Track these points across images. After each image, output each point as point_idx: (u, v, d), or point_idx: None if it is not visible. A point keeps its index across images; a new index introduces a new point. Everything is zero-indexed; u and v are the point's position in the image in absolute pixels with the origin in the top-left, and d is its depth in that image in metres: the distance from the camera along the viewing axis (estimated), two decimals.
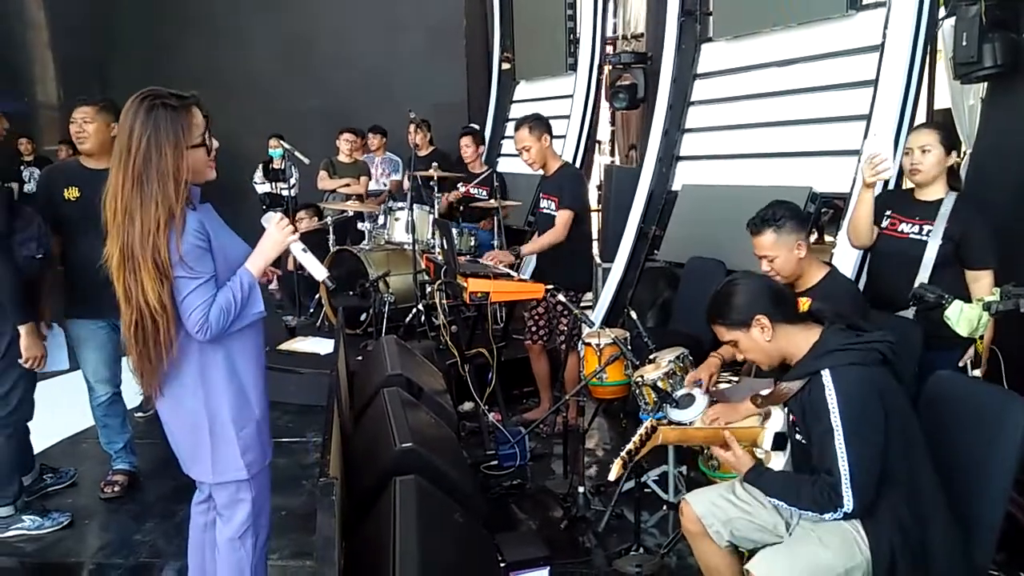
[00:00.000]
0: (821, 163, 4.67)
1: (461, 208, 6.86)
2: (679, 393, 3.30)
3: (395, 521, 2.33)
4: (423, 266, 5.40)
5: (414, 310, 5.48)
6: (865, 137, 4.24)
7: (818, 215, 4.90)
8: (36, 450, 4.40)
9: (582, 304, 4.63)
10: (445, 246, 4.47)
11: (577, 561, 3.27)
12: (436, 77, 9.52)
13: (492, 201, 5.60)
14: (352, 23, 9.84)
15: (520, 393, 5.24)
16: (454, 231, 5.51)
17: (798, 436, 2.30)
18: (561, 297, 4.04)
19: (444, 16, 9.71)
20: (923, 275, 3.03)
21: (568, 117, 7.58)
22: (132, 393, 4.88)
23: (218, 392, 2.23)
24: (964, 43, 3.75)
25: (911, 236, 3.10)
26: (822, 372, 2.14)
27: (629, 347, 3.69)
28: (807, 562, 2.15)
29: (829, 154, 4.63)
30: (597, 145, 9.52)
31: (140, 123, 2.05)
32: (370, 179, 7.52)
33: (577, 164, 7.36)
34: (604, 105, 7.99)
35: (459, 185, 6.77)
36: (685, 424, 3.21)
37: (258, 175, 7.81)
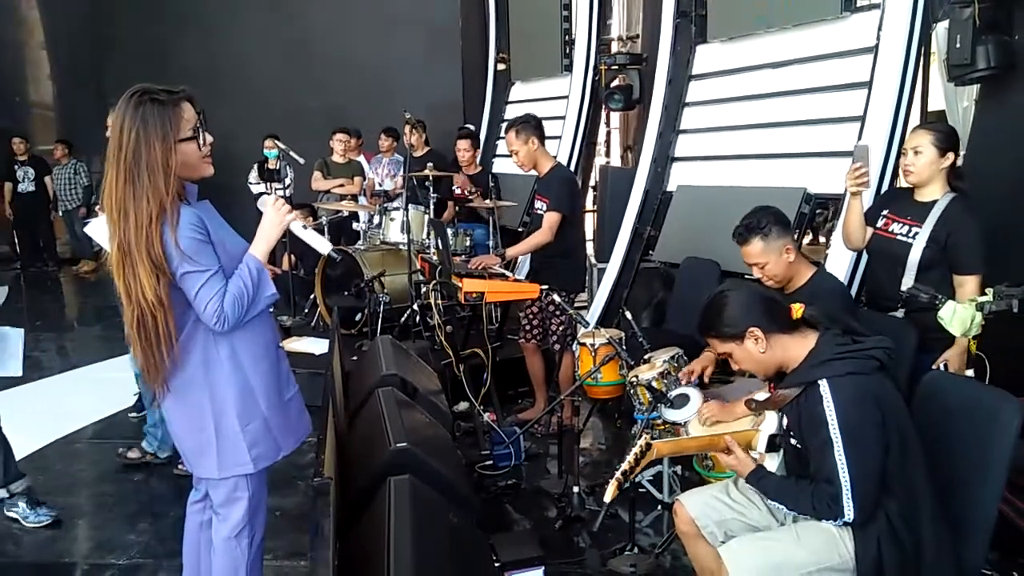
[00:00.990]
0: (815, 164, 4.68)
1: (458, 208, 6.86)
2: (674, 393, 3.32)
3: (389, 521, 2.33)
4: (418, 266, 5.40)
5: (409, 310, 5.48)
6: (859, 139, 4.26)
7: (812, 216, 4.91)
8: (30, 450, 4.41)
9: (577, 304, 4.64)
10: (440, 246, 4.47)
11: (572, 561, 3.27)
12: (432, 77, 9.53)
13: (488, 201, 5.61)
14: (348, 24, 9.85)
15: (515, 393, 5.24)
16: (449, 231, 5.51)
17: (792, 440, 2.30)
18: (556, 298, 4.05)
19: (440, 17, 9.72)
20: (908, 277, 3.03)
21: (563, 118, 7.60)
22: (129, 393, 4.94)
23: (222, 387, 2.23)
24: (958, 45, 3.77)
25: (899, 237, 3.11)
26: (820, 382, 2.12)
27: (624, 347, 3.70)
28: (777, 554, 2.17)
29: (823, 155, 4.65)
30: (592, 146, 9.53)
31: (129, 119, 2.06)
32: (364, 179, 7.52)
33: (572, 165, 7.38)
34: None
35: (454, 188, 6.77)
36: (680, 423, 3.23)
37: (253, 175, 7.81)
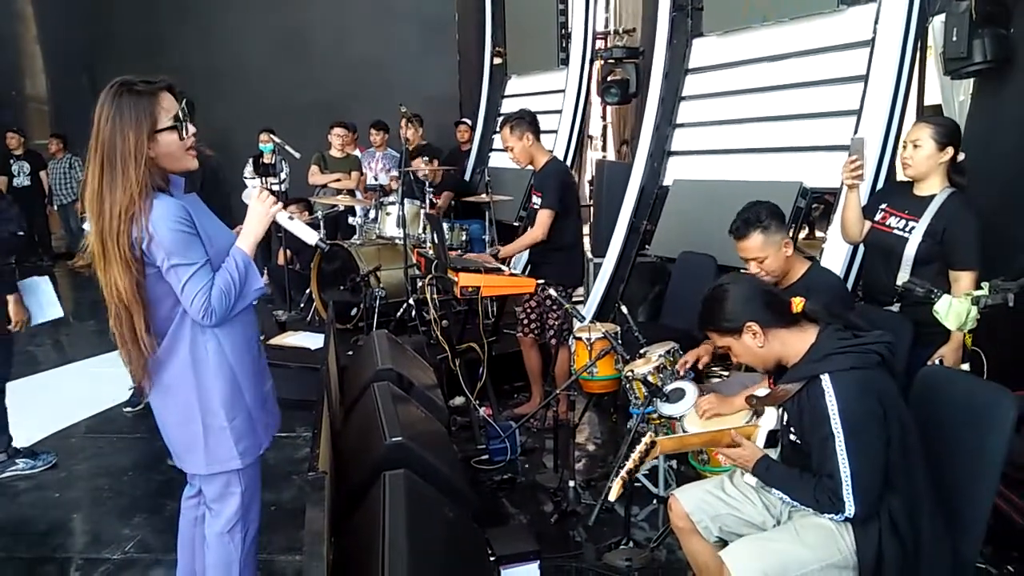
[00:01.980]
0: (812, 158, 4.68)
1: (453, 203, 6.86)
2: (669, 387, 3.31)
3: (384, 515, 2.33)
4: (414, 261, 5.40)
5: (405, 305, 5.48)
6: (855, 133, 4.26)
7: (808, 210, 4.91)
8: (26, 444, 4.40)
9: (574, 299, 4.63)
10: (436, 241, 4.46)
11: (567, 555, 3.27)
12: (428, 71, 9.52)
13: (484, 196, 5.60)
14: (345, 17, 9.83)
15: (511, 388, 5.24)
16: (445, 226, 5.50)
17: (792, 436, 2.29)
18: (552, 292, 4.04)
19: (436, 10, 9.71)
20: (904, 271, 3.03)
21: (560, 112, 7.58)
22: (124, 387, 4.93)
23: (208, 382, 2.22)
24: (954, 39, 3.76)
25: (896, 231, 3.10)
26: (821, 376, 2.11)
27: (620, 341, 3.70)
28: (779, 555, 2.16)
29: (820, 149, 4.64)
30: (589, 140, 9.53)
31: (106, 109, 2.05)
32: (362, 174, 7.50)
33: (569, 159, 7.37)
34: (596, 100, 7.99)
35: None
36: (675, 418, 3.23)
37: (248, 170, 7.79)
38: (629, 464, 2.23)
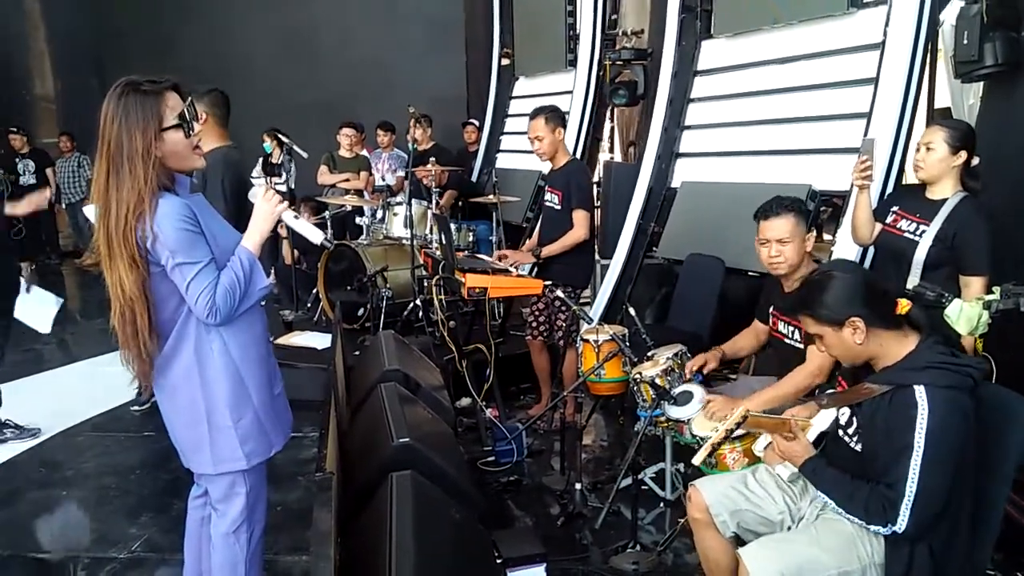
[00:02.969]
0: (821, 161, 4.66)
1: (460, 203, 6.85)
2: (677, 390, 3.30)
3: (391, 516, 2.32)
4: (421, 261, 5.39)
5: (412, 305, 5.47)
6: (865, 136, 4.24)
7: (817, 213, 4.89)
8: (33, 443, 4.42)
9: (581, 300, 4.63)
10: (443, 241, 4.46)
11: (574, 558, 3.26)
12: (435, 71, 9.52)
13: (491, 197, 5.60)
14: (352, 17, 9.84)
15: (517, 389, 5.23)
16: (452, 226, 5.50)
17: (847, 439, 2.23)
18: (559, 293, 4.04)
19: (444, 10, 9.71)
20: (914, 275, 3.02)
21: (568, 113, 7.56)
22: (131, 387, 4.94)
23: (214, 381, 2.22)
24: (965, 41, 3.74)
25: (906, 235, 3.09)
26: (915, 387, 2.03)
27: (627, 344, 3.69)
28: (797, 557, 2.14)
29: (829, 152, 4.62)
30: (596, 142, 9.51)
31: (112, 109, 2.06)
32: (371, 174, 7.50)
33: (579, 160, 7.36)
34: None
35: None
36: (683, 420, 3.22)
37: (256, 170, 7.78)
38: (721, 432, 2.18)
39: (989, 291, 2.69)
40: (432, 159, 6.04)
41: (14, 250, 4.32)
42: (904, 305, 2.19)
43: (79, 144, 10.39)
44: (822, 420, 2.32)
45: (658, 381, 3.33)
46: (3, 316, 4.29)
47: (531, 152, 4.58)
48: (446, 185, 7.38)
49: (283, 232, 6.25)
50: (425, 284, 5.13)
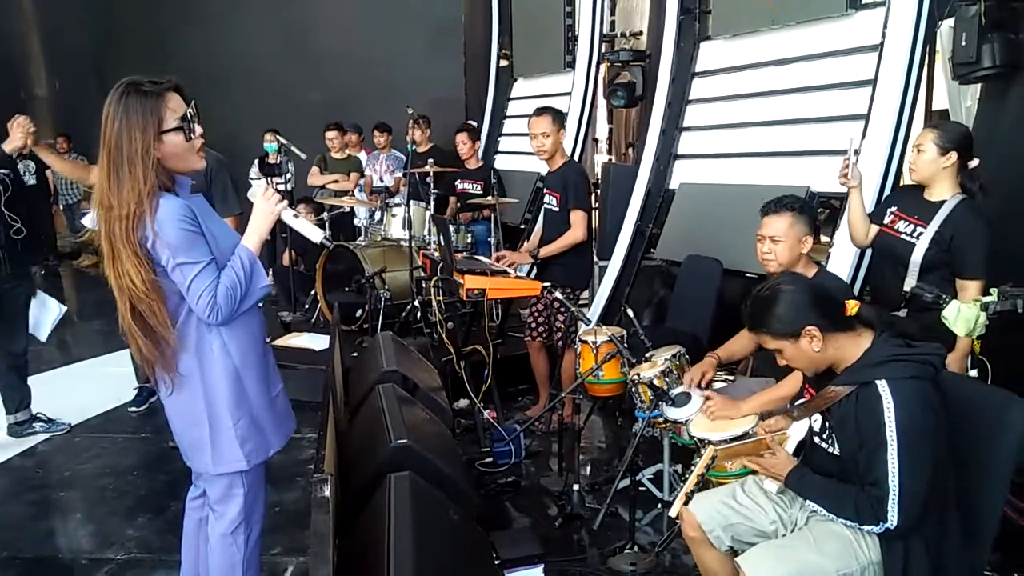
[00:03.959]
0: (819, 162, 4.66)
1: (459, 205, 6.85)
2: (675, 391, 3.30)
3: (389, 518, 2.32)
4: (419, 262, 5.39)
5: (410, 306, 5.47)
6: (863, 137, 4.25)
7: (815, 215, 4.89)
8: (30, 443, 4.41)
9: (580, 302, 4.63)
10: (442, 243, 4.46)
11: (572, 559, 3.26)
12: (434, 73, 9.51)
13: (489, 198, 5.60)
14: (351, 18, 9.84)
15: (516, 390, 5.23)
16: (451, 228, 5.50)
17: (824, 444, 2.25)
18: (558, 294, 4.04)
19: (443, 12, 9.71)
20: (911, 277, 3.02)
21: (566, 115, 7.56)
22: (129, 387, 4.94)
23: (214, 382, 2.22)
24: (963, 43, 3.75)
25: (903, 236, 3.09)
26: (877, 383, 2.05)
27: (625, 345, 3.69)
28: (797, 562, 2.14)
29: (827, 153, 4.62)
30: (594, 143, 9.51)
31: (113, 109, 2.06)
32: (362, 175, 7.50)
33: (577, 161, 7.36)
34: (601, 103, 7.97)
35: (456, 182, 6.76)
36: (681, 422, 3.22)
37: (254, 171, 7.80)
38: (693, 479, 2.19)
39: (986, 292, 2.70)
40: (431, 160, 6.04)
41: (25, 254, 4.50)
42: (852, 306, 2.22)
43: (76, 145, 10.38)
44: (798, 430, 2.33)
45: (656, 382, 3.33)
46: (23, 317, 4.41)
47: (529, 153, 4.58)
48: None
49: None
50: (423, 285, 5.13)
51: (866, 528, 2.09)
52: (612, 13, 7.79)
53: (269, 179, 7.02)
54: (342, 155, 7.40)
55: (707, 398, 3.11)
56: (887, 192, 4.10)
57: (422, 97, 8.06)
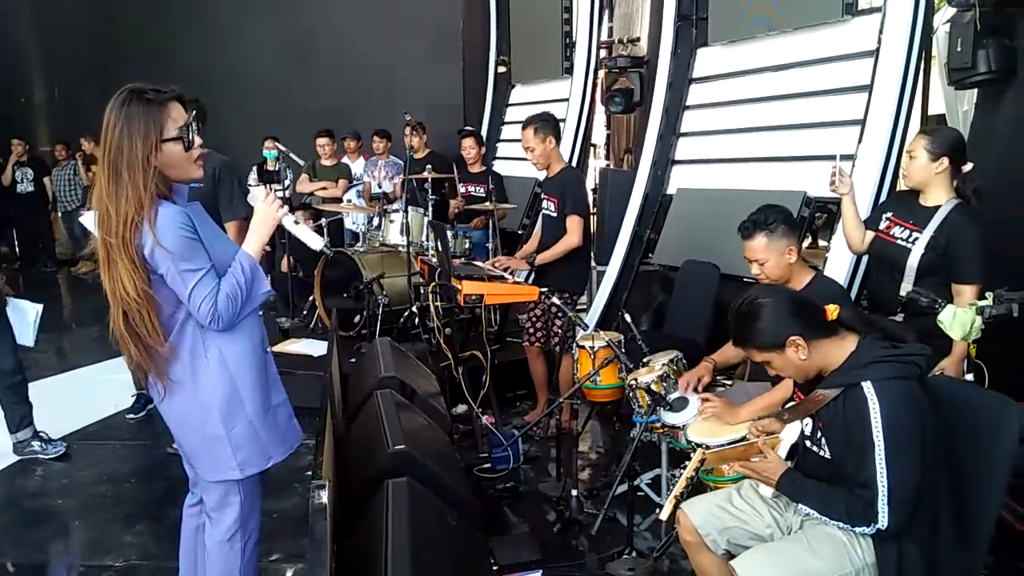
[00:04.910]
0: (815, 168, 4.67)
1: (459, 210, 6.85)
2: (672, 396, 3.31)
3: (387, 524, 2.33)
4: (417, 268, 5.40)
5: (408, 312, 5.48)
6: (859, 142, 4.26)
7: (812, 219, 4.91)
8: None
9: (578, 307, 4.63)
10: (439, 248, 4.47)
11: (570, 564, 3.26)
12: (433, 79, 9.54)
13: (488, 204, 5.61)
14: (350, 25, 9.86)
15: (513, 396, 5.23)
16: (449, 233, 5.51)
17: (814, 448, 2.26)
18: (555, 300, 4.04)
19: (441, 19, 9.73)
20: (907, 282, 3.02)
21: (564, 121, 7.59)
22: (127, 394, 4.94)
23: (209, 389, 2.22)
24: (959, 49, 3.77)
25: (899, 241, 3.10)
26: (863, 384, 2.06)
27: (623, 350, 3.69)
28: (791, 565, 2.14)
29: (823, 159, 4.63)
30: (592, 149, 9.53)
31: (115, 116, 2.07)
32: (350, 182, 7.52)
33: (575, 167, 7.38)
34: (599, 108, 7.99)
35: (459, 187, 6.76)
36: (678, 427, 3.23)
37: (252, 177, 7.79)
38: (682, 483, 2.20)
39: (982, 297, 2.70)
40: (429, 166, 6.05)
41: None
42: (833, 311, 2.23)
43: (75, 152, 10.40)
44: (789, 434, 2.34)
45: (654, 387, 3.33)
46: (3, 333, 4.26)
47: (528, 159, 4.58)
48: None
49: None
50: (421, 291, 5.14)
51: (858, 530, 2.09)
52: (610, 19, 7.81)
53: (268, 186, 7.03)
54: (331, 162, 7.43)
55: (705, 399, 3.11)
56: (883, 197, 4.11)
57: (421, 104, 8.08)
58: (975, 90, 4.22)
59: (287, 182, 7.21)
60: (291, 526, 3.56)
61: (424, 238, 5.80)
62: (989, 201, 3.09)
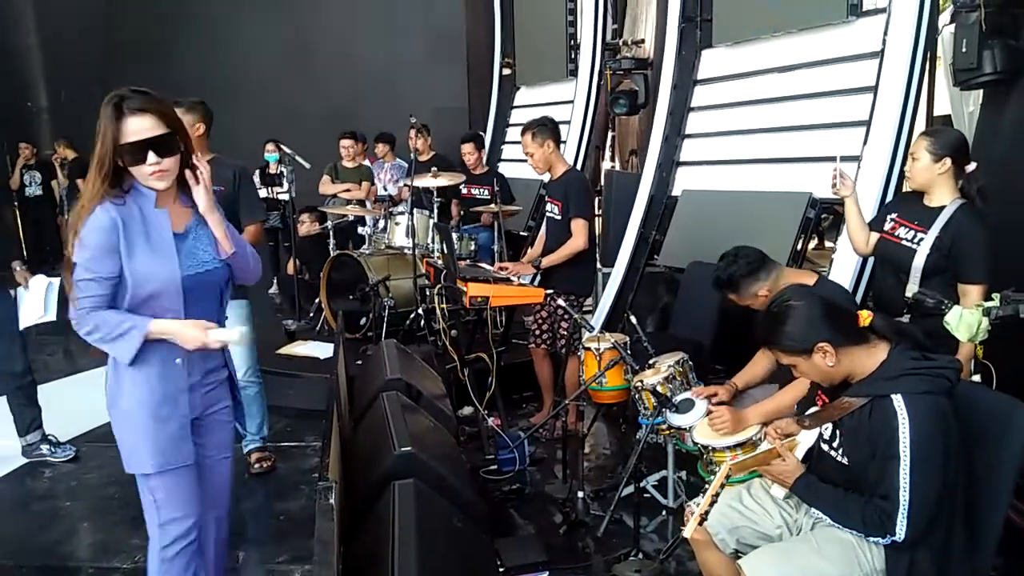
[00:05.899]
0: (821, 169, 4.66)
1: (463, 213, 6.86)
2: (679, 398, 3.30)
3: (394, 525, 2.33)
4: (423, 270, 5.41)
5: (414, 314, 5.49)
6: (864, 144, 4.26)
7: (818, 221, 4.90)
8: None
9: (584, 309, 4.63)
10: (445, 250, 4.47)
11: (576, 566, 3.26)
12: (437, 82, 9.54)
13: (493, 206, 5.61)
14: (353, 27, 9.87)
15: (520, 398, 5.24)
16: (454, 235, 5.51)
17: (833, 453, 2.24)
18: (561, 302, 4.05)
19: (445, 21, 9.74)
20: (912, 283, 3.02)
21: (569, 123, 7.59)
22: None
23: (121, 376, 2.26)
24: (964, 49, 3.76)
25: (904, 242, 3.09)
26: (893, 397, 2.04)
27: (629, 352, 3.69)
28: (798, 566, 2.14)
29: (829, 160, 4.61)
30: (598, 150, 9.53)
31: (101, 113, 2.16)
32: (372, 184, 7.51)
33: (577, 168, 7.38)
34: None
35: (460, 187, 6.77)
36: (684, 428, 3.23)
37: (256, 181, 7.81)
38: (709, 496, 2.18)
39: (988, 298, 2.70)
40: (433, 168, 6.06)
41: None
42: (866, 317, 2.20)
43: (82, 156, 10.42)
44: (808, 437, 2.33)
45: (660, 389, 3.33)
46: (10, 335, 4.29)
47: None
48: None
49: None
50: (427, 293, 5.14)
51: (872, 539, 2.08)
52: (615, 21, 7.81)
53: (271, 188, 7.04)
54: (353, 164, 7.40)
55: (709, 412, 3.11)
56: (889, 198, 4.10)
57: (425, 106, 8.08)
58: (980, 91, 4.21)
59: (289, 185, 7.20)
60: (298, 528, 3.56)
61: (429, 240, 5.81)
62: (995, 201, 3.09)
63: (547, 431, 4.53)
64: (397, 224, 6.03)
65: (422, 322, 5.36)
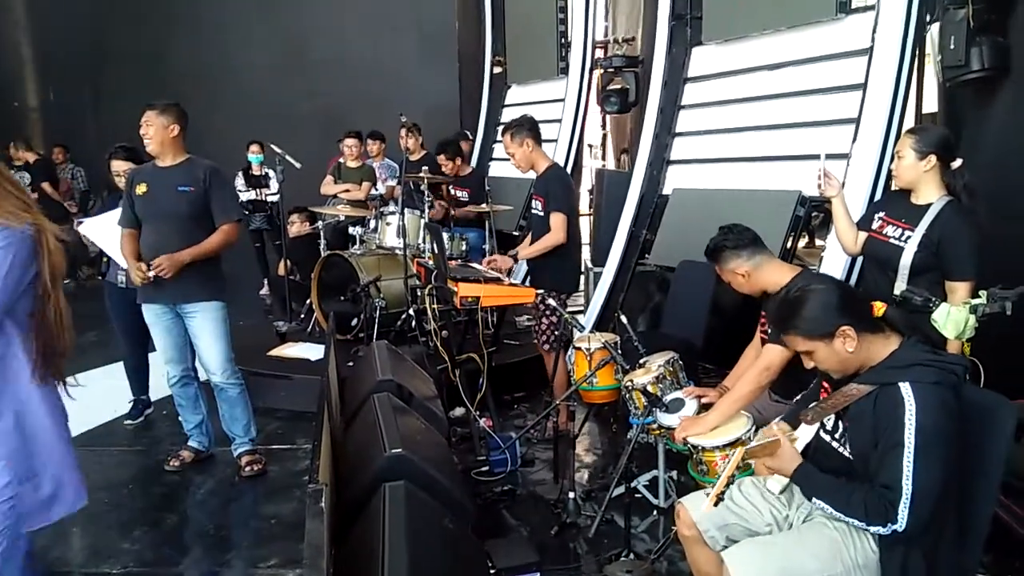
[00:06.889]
0: (810, 167, 4.67)
1: (452, 213, 6.85)
2: (669, 397, 3.31)
3: (384, 527, 2.32)
4: (414, 271, 5.40)
5: (405, 315, 5.48)
6: (854, 141, 4.27)
7: (808, 218, 4.91)
8: None
9: (572, 308, 4.63)
10: (436, 251, 4.46)
11: (567, 567, 3.26)
12: (428, 81, 9.54)
13: (483, 205, 5.61)
14: (344, 27, 9.86)
15: (511, 398, 5.23)
16: (445, 236, 5.50)
17: (834, 443, 2.24)
18: (551, 302, 4.04)
19: (436, 20, 9.74)
20: (900, 280, 3.02)
21: (560, 121, 7.60)
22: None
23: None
24: (952, 47, 3.77)
25: (892, 240, 3.10)
26: (901, 385, 2.04)
27: (619, 351, 3.69)
28: (780, 558, 2.14)
29: (818, 157, 4.64)
30: (589, 149, 9.55)
31: None
32: (374, 184, 7.48)
33: (569, 168, 7.37)
34: (595, 108, 8.01)
35: (449, 188, 6.76)
36: (674, 428, 3.23)
37: (239, 183, 7.73)
38: (725, 477, 2.17)
39: (976, 295, 2.71)
40: (424, 168, 6.04)
41: None
42: (880, 308, 2.21)
43: (73, 155, 10.38)
44: (806, 432, 2.33)
45: (650, 388, 3.33)
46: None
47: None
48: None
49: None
50: (418, 294, 5.13)
51: (872, 529, 2.07)
52: (605, 19, 7.82)
53: (258, 190, 7.00)
54: (357, 164, 7.35)
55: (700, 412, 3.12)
56: (879, 196, 4.11)
57: (416, 105, 8.07)
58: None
59: (276, 186, 7.15)
60: (288, 531, 3.55)
61: (420, 240, 5.79)
62: (982, 198, 3.09)
63: (538, 432, 4.52)
64: (388, 224, 6.02)
65: (413, 323, 5.35)
